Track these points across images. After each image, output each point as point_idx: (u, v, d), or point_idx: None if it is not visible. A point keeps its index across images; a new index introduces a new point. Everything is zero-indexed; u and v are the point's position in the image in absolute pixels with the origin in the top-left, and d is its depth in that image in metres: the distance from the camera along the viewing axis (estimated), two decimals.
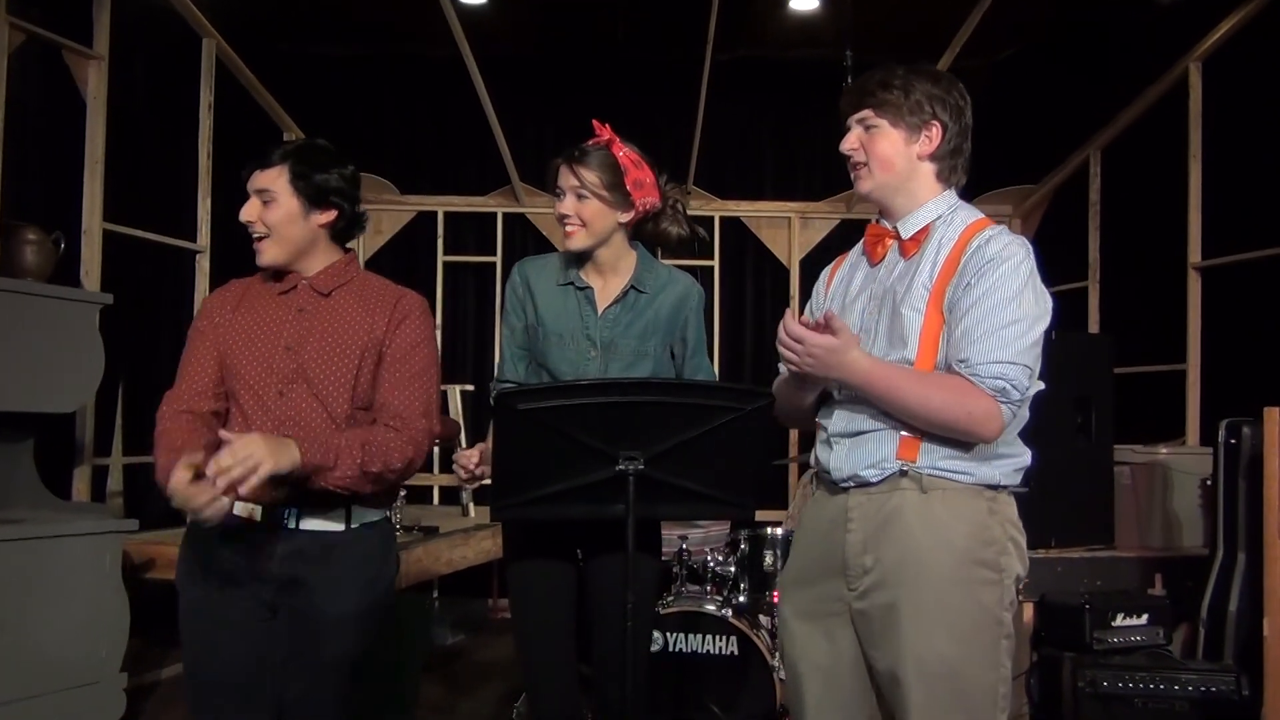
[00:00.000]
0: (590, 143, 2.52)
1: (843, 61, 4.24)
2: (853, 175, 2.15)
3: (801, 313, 2.25)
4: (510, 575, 2.57)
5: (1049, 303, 2.02)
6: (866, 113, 2.10)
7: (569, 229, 2.49)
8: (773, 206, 6.83)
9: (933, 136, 2.09)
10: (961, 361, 1.95)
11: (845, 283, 2.24)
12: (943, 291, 2.01)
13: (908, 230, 2.11)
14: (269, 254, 2.29)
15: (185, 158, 5.24)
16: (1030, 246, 2.03)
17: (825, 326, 1.99)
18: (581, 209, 2.47)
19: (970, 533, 1.99)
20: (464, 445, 5.79)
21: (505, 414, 2.03)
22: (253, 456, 1.96)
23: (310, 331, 2.26)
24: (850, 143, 2.12)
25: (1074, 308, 5.89)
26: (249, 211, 2.28)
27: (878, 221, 2.20)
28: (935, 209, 2.11)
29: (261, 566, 2.19)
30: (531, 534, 2.52)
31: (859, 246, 2.27)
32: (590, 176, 2.46)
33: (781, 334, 2.03)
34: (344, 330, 2.27)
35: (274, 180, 2.27)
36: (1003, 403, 1.94)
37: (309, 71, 6.40)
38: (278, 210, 2.27)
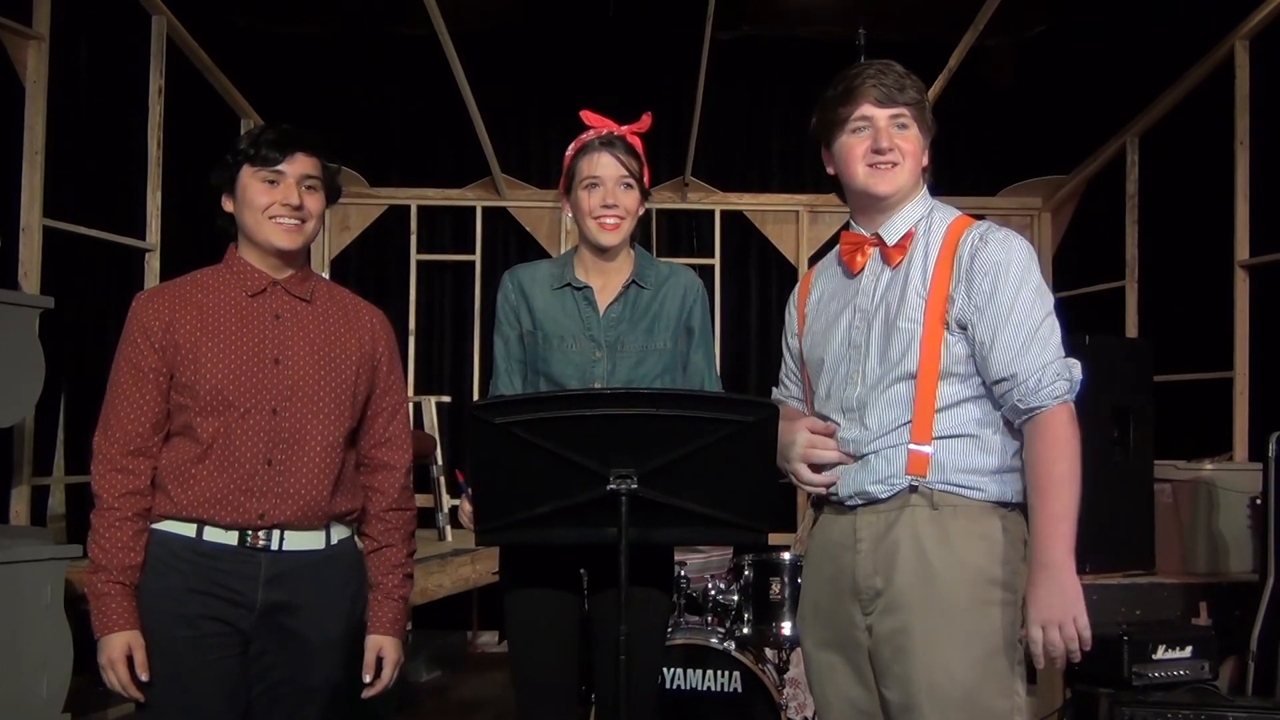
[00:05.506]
0: (615, 131, 2.57)
1: (855, 40, 4.26)
2: (873, 174, 2.15)
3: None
4: (508, 602, 2.57)
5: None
6: (904, 110, 2.14)
7: (613, 222, 2.52)
8: (779, 199, 6.85)
9: (927, 144, 2.19)
10: (1009, 378, 2.02)
11: (824, 301, 2.29)
12: (940, 299, 2.07)
13: (892, 236, 2.18)
14: (300, 241, 2.30)
15: (133, 147, 5.25)
16: (1025, 236, 2.12)
17: None
18: (629, 200, 2.54)
19: (985, 551, 2.06)
20: (439, 462, 5.83)
21: (482, 428, 2.03)
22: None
23: (294, 341, 2.29)
24: (888, 138, 2.14)
25: (1110, 310, 5.85)
26: (295, 195, 2.26)
27: (850, 228, 2.25)
28: (916, 212, 2.18)
29: (243, 594, 2.20)
30: (531, 557, 2.53)
31: (831, 259, 2.33)
32: (633, 164, 2.54)
33: None
34: (334, 342, 2.33)
35: (316, 168, 2.31)
36: (1070, 399, 2.05)
37: (268, 51, 6.41)
38: (317, 200, 2.32)
